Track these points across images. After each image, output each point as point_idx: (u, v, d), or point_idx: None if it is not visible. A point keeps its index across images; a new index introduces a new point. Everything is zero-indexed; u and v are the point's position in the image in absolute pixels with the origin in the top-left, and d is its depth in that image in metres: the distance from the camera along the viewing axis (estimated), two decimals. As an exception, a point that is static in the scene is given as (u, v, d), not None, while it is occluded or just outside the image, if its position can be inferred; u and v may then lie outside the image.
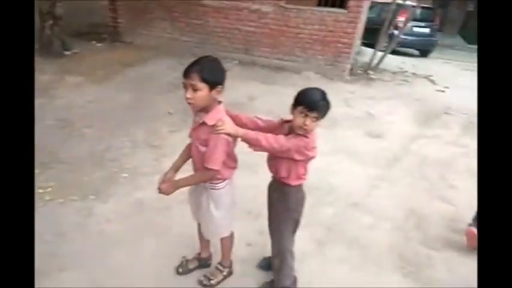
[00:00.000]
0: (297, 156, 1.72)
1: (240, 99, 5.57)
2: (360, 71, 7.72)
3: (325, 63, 6.96)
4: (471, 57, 12.55)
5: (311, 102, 1.65)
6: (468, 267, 2.43)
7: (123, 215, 2.72)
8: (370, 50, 8.69)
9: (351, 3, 6.45)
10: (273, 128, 1.82)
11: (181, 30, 7.88)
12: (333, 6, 6.67)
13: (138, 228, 2.58)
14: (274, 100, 5.75)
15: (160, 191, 1.70)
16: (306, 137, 1.71)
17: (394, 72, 8.47)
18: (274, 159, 1.81)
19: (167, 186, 1.69)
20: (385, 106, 6.01)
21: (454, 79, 8.40)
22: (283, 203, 1.89)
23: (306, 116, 1.66)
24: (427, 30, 11.41)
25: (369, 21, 10.38)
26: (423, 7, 11.61)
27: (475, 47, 15.88)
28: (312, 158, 1.79)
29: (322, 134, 4.64)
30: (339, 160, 3.97)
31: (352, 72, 7.53)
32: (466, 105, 6.39)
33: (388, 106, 6.03)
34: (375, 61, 8.01)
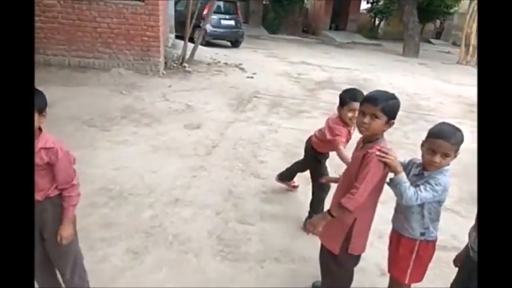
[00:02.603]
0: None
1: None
2: (175, 64, 7.70)
3: (135, 59, 6.60)
4: (273, 46, 14.50)
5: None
6: (276, 234, 2.73)
7: None
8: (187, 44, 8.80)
9: (146, -5, 6.25)
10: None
11: None
12: (129, -3, 6.31)
13: None
14: (81, 103, 5.08)
15: None
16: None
17: (208, 64, 8.85)
18: None
19: None
20: (202, 97, 6.19)
21: (260, 66, 9.43)
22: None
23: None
24: (232, 23, 12.41)
25: (179, 14, 10.51)
26: (226, 1, 12.56)
27: (276, 36, 18.29)
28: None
29: (143, 132, 4.41)
30: (159, 157, 3.82)
31: (167, 66, 7.43)
32: (270, 88, 7.29)
33: (205, 96, 6.24)
34: (189, 53, 8.15)
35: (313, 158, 2.80)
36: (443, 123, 1.78)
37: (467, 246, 1.75)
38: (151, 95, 5.77)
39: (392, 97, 1.71)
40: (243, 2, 18.41)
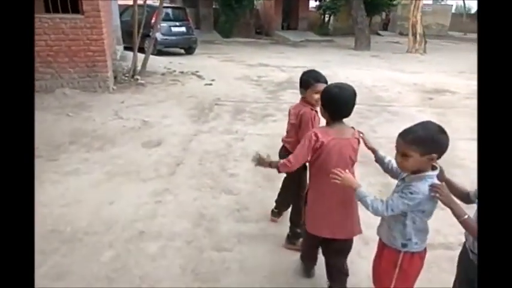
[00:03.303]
0: None
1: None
2: (126, 78, 7.20)
3: (80, 76, 6.06)
4: (228, 49, 14.24)
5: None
6: (257, 258, 2.47)
7: None
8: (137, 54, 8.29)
9: (85, 7, 5.73)
10: None
11: None
12: (65, 11, 5.76)
13: None
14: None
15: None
16: None
17: (163, 74, 8.41)
18: None
19: None
20: (159, 110, 5.79)
21: (218, 71, 9.14)
22: None
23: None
24: (184, 29, 12.00)
25: (126, 24, 9.96)
26: (174, 7, 12.14)
27: (230, 39, 18.08)
28: None
29: (95, 158, 3.96)
30: (116, 185, 3.41)
31: (117, 81, 6.93)
32: (231, 94, 7.03)
33: (163, 109, 5.85)
34: (140, 65, 7.67)
35: None
36: (425, 122, 1.58)
37: (464, 246, 1.64)
38: (102, 114, 5.29)
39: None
40: (193, 8, 18.02)
